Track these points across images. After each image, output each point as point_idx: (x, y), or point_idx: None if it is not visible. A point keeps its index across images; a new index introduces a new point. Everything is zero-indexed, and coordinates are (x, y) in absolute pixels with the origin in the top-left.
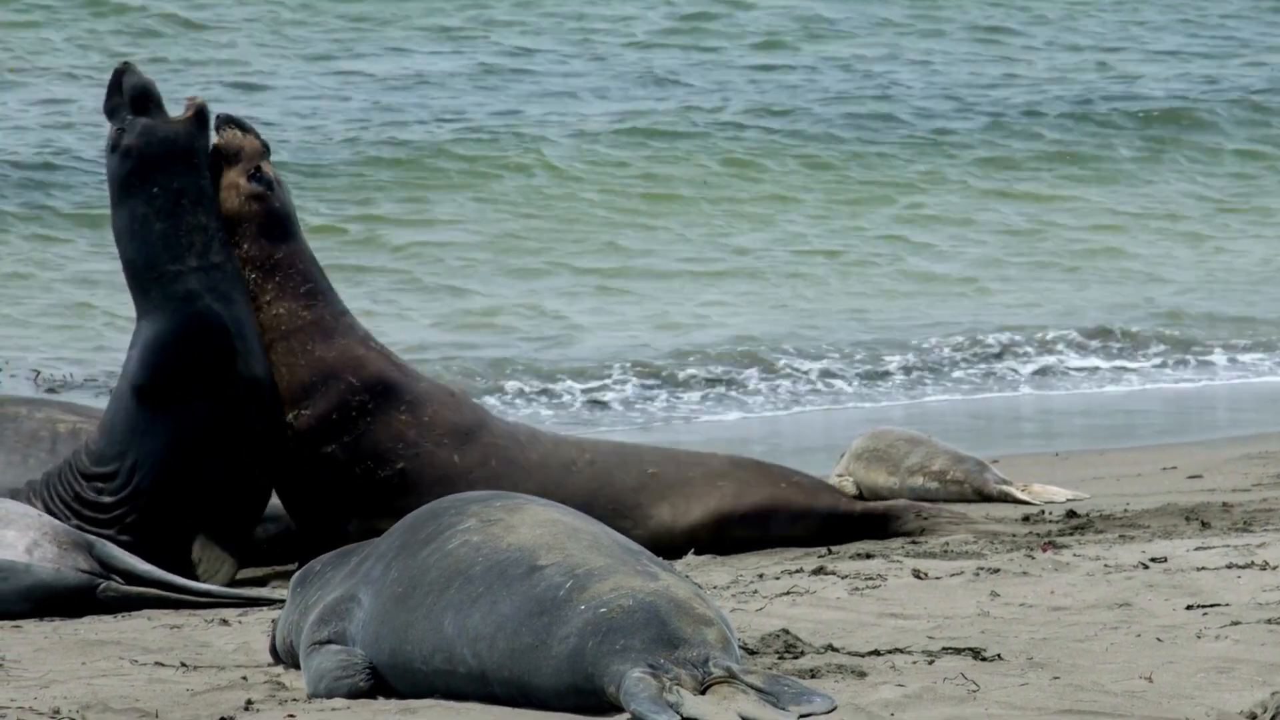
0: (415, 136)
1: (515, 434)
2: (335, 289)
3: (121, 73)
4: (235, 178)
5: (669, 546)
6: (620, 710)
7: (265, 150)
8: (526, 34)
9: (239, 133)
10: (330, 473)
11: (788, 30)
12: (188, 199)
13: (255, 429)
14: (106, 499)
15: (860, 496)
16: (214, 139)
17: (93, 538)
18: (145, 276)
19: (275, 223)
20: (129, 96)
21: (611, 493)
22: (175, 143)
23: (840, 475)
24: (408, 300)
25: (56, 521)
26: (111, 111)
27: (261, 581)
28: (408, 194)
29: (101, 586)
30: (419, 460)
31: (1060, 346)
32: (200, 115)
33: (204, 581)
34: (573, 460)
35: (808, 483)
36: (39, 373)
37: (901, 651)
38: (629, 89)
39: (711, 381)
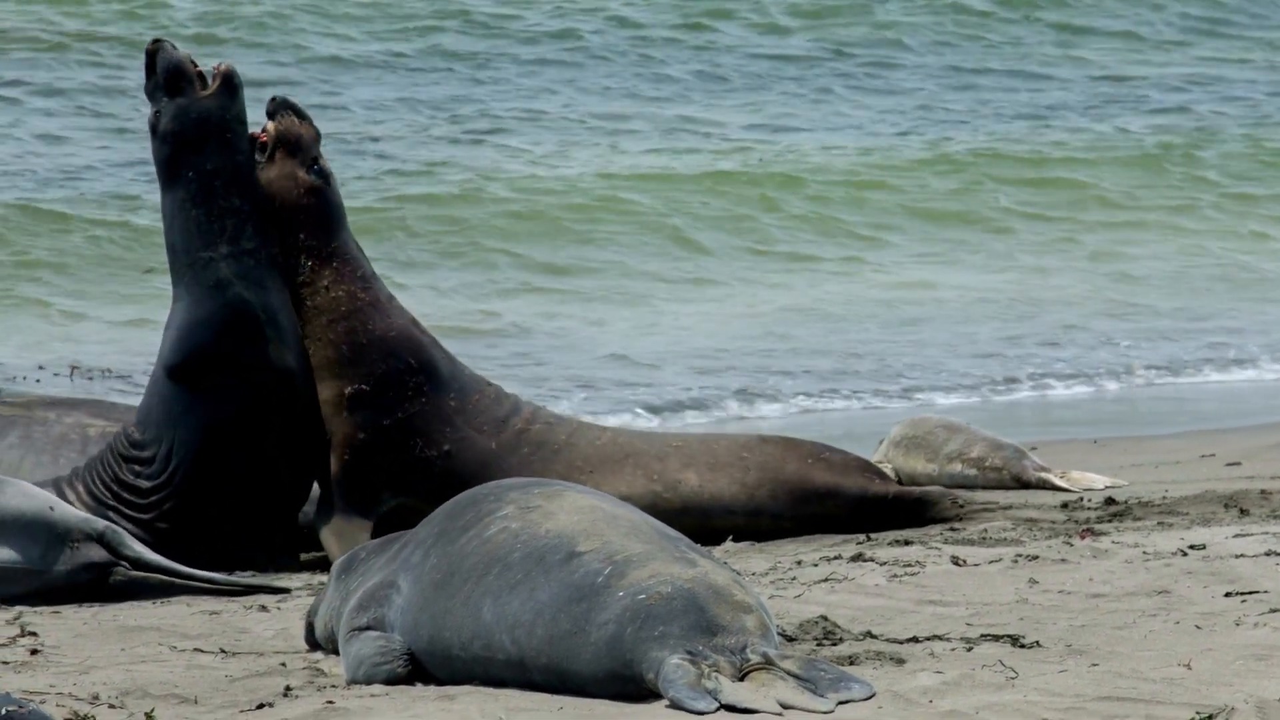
0: (393, 132)
1: (545, 417)
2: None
3: (154, 53)
4: (294, 169)
5: (703, 518)
6: (659, 697)
7: (318, 137)
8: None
9: (295, 119)
10: (378, 444)
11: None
12: (221, 180)
13: (278, 420)
14: (144, 483)
15: (899, 483)
16: (270, 125)
17: (104, 526)
18: (181, 261)
19: (331, 213)
20: (162, 77)
21: (638, 460)
22: (208, 122)
23: (879, 463)
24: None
25: (71, 512)
26: (150, 94)
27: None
28: (379, 195)
29: (113, 574)
30: (462, 444)
31: (1099, 335)
32: (228, 82)
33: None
34: (597, 436)
35: (838, 459)
36: (75, 366)
37: (940, 638)
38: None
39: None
